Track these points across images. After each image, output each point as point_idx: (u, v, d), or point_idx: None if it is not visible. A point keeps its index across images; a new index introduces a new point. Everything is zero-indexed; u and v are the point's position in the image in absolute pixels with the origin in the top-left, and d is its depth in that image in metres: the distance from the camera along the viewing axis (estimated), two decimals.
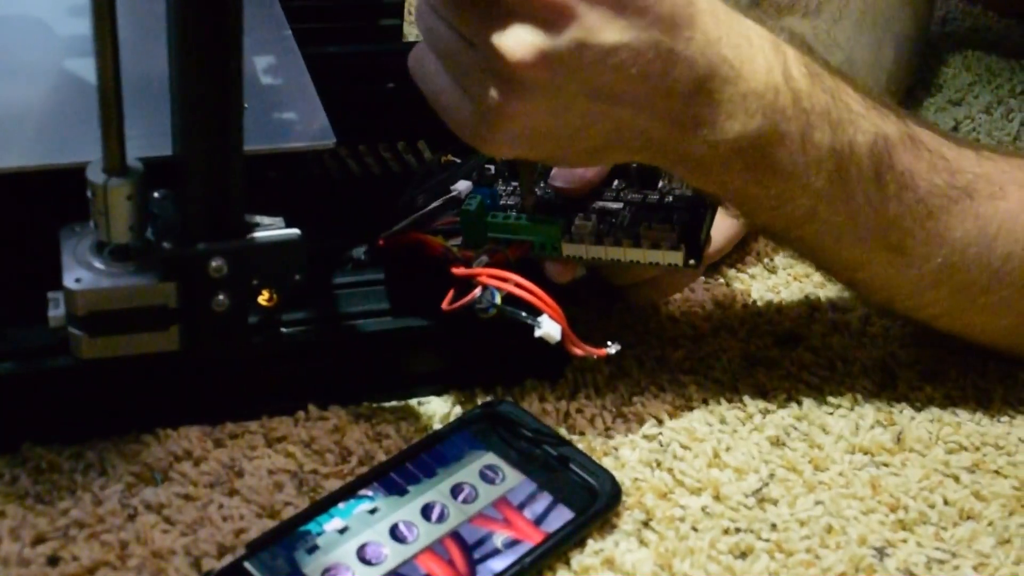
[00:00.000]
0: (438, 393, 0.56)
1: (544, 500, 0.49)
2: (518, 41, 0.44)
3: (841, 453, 0.54)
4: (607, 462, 0.52)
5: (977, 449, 0.55)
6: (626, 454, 0.53)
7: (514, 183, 0.57)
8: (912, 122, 0.53)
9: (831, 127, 0.50)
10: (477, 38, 0.45)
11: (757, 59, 0.48)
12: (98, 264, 0.47)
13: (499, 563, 0.46)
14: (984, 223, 0.53)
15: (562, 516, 0.48)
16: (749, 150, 0.49)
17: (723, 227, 0.61)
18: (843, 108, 0.50)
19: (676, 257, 0.52)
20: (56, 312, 0.47)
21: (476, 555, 0.46)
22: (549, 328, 0.50)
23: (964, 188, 0.52)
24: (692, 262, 0.53)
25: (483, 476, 0.50)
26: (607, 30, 0.45)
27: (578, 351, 0.51)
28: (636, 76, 0.46)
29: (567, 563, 0.47)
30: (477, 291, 0.51)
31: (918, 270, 0.53)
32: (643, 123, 0.47)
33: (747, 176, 0.49)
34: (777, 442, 0.55)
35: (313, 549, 0.45)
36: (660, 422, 0.55)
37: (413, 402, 0.55)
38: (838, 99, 0.50)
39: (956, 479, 0.53)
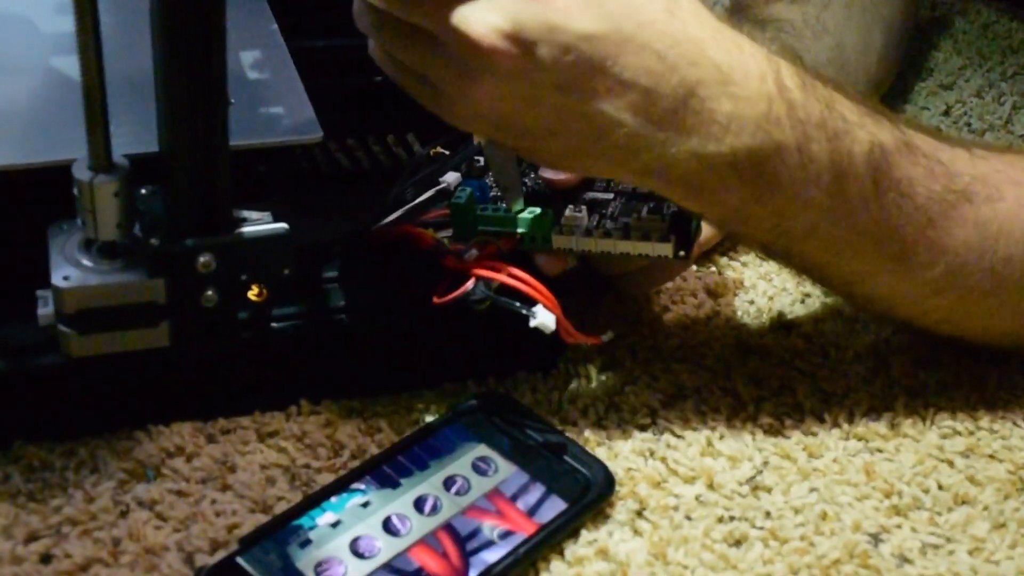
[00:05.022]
0: (430, 386, 0.55)
1: (537, 491, 0.49)
2: (484, 24, 0.43)
3: (835, 440, 0.54)
4: (600, 452, 0.52)
5: (971, 434, 0.55)
6: (619, 444, 0.53)
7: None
8: (905, 127, 0.51)
9: (828, 138, 0.48)
10: (435, 25, 0.43)
11: (749, 66, 0.47)
12: (86, 262, 0.47)
13: (493, 555, 0.46)
14: (984, 227, 0.52)
15: (555, 507, 0.48)
16: (745, 165, 0.47)
17: None
18: (838, 118, 0.49)
19: (666, 249, 0.52)
20: (45, 310, 0.47)
21: (469, 547, 0.46)
22: (544, 318, 0.49)
23: (962, 192, 0.51)
24: (682, 253, 0.52)
25: (476, 468, 0.49)
26: (581, 17, 0.43)
27: (572, 339, 0.51)
28: (610, 71, 0.44)
29: (561, 554, 0.47)
30: (470, 283, 0.51)
31: (920, 279, 0.52)
32: (624, 127, 0.45)
33: (744, 193, 0.48)
34: (771, 429, 0.54)
35: (306, 543, 0.45)
36: (653, 411, 0.55)
37: (405, 395, 0.55)
38: (833, 109, 0.49)
39: (950, 464, 0.53)
